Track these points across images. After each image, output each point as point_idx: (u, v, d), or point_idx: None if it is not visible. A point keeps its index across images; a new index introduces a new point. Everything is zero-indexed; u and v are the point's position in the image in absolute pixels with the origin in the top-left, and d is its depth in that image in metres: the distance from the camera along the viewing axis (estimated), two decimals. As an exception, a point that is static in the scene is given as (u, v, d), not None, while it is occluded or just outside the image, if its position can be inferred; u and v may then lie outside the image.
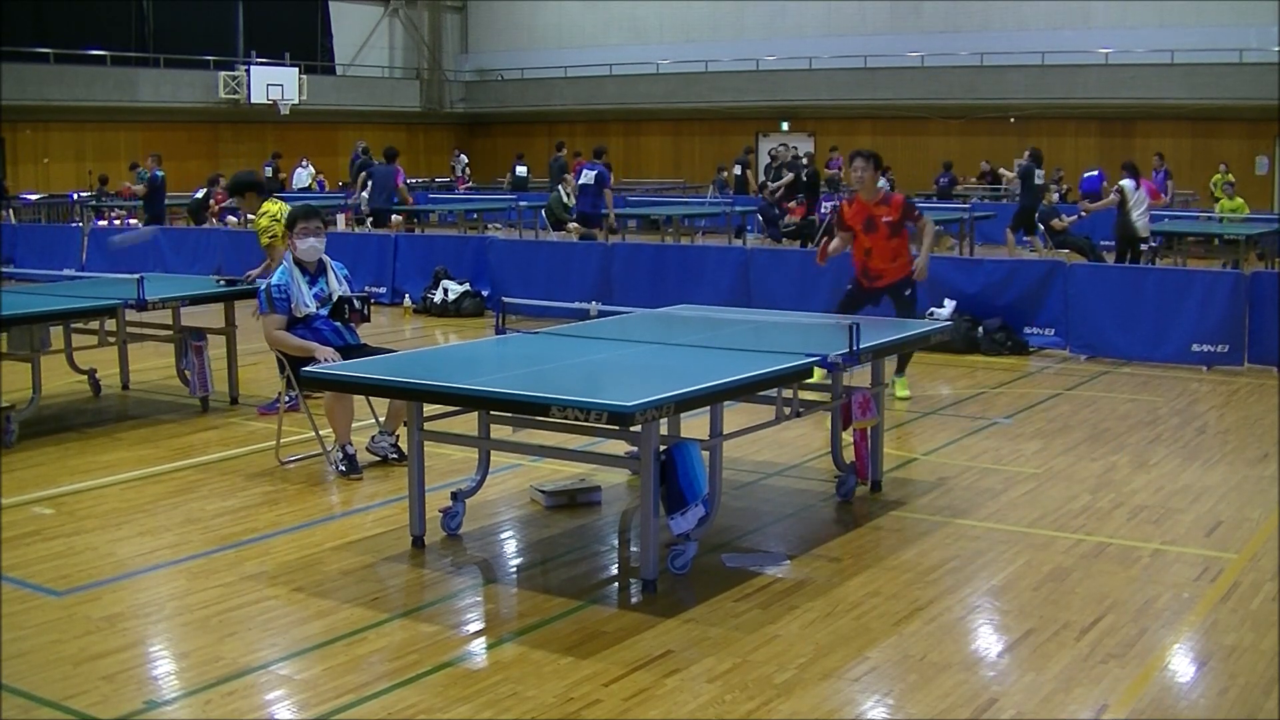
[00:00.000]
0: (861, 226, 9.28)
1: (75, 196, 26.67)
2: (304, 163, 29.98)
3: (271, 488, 7.09)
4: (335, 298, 7.56)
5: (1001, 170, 25.73)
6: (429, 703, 4.33)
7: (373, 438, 7.63)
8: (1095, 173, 24.76)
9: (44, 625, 5.00)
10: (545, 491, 6.72)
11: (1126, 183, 15.22)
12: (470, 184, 32.32)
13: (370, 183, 20.10)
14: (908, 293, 9.36)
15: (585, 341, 6.83)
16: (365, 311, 7.65)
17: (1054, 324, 11.69)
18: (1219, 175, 25.32)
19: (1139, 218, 15.07)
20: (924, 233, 9.36)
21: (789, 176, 22.78)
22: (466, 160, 33.62)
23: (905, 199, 9.43)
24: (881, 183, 9.57)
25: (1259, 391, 9.95)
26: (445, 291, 14.48)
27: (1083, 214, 17.57)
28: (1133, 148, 27.38)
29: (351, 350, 7.45)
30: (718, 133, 34.85)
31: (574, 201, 21.71)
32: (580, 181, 18.42)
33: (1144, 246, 15.41)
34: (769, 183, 23.45)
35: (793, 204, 22.25)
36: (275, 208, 9.20)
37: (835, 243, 9.52)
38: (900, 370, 9.61)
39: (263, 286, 7.53)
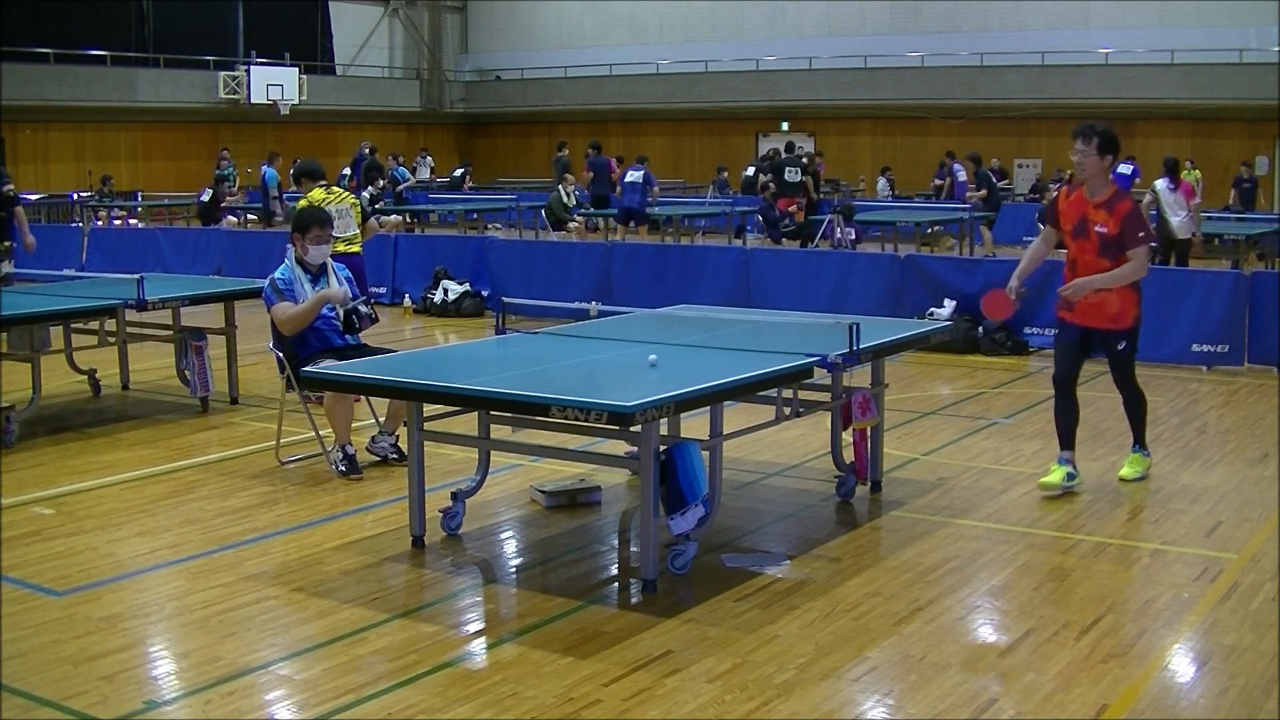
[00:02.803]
0: (1071, 228, 6.91)
1: (75, 196, 26.66)
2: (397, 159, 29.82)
3: (271, 488, 7.09)
4: (339, 297, 7.59)
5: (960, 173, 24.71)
6: (429, 703, 4.33)
7: (373, 438, 7.63)
8: (1129, 168, 24.63)
9: (44, 625, 5.00)
10: (545, 491, 6.71)
11: (1159, 183, 15.14)
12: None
13: (591, 174, 22.79)
14: (1121, 346, 6.98)
15: (585, 341, 6.83)
16: (373, 315, 7.75)
17: (1054, 324, 11.66)
18: (1185, 172, 25.38)
19: (1173, 218, 14.97)
20: (1124, 266, 6.79)
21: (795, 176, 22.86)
22: (434, 162, 33.43)
23: (1133, 207, 6.82)
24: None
25: (1259, 391, 9.95)
26: (445, 291, 14.48)
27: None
28: (1133, 148, 27.35)
29: (351, 350, 7.47)
30: (718, 133, 34.87)
31: (574, 202, 21.78)
32: (628, 180, 21.08)
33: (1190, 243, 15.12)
34: (770, 184, 23.45)
35: (794, 208, 22.27)
36: (318, 194, 9.56)
37: (1031, 248, 7.35)
38: (1138, 442, 7.29)
39: (267, 281, 7.57)
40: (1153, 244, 7.19)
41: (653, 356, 5.91)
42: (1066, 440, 7.09)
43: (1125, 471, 7.26)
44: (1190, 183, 15.20)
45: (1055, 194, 7.43)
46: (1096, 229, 6.78)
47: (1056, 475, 6.99)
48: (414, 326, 13.90)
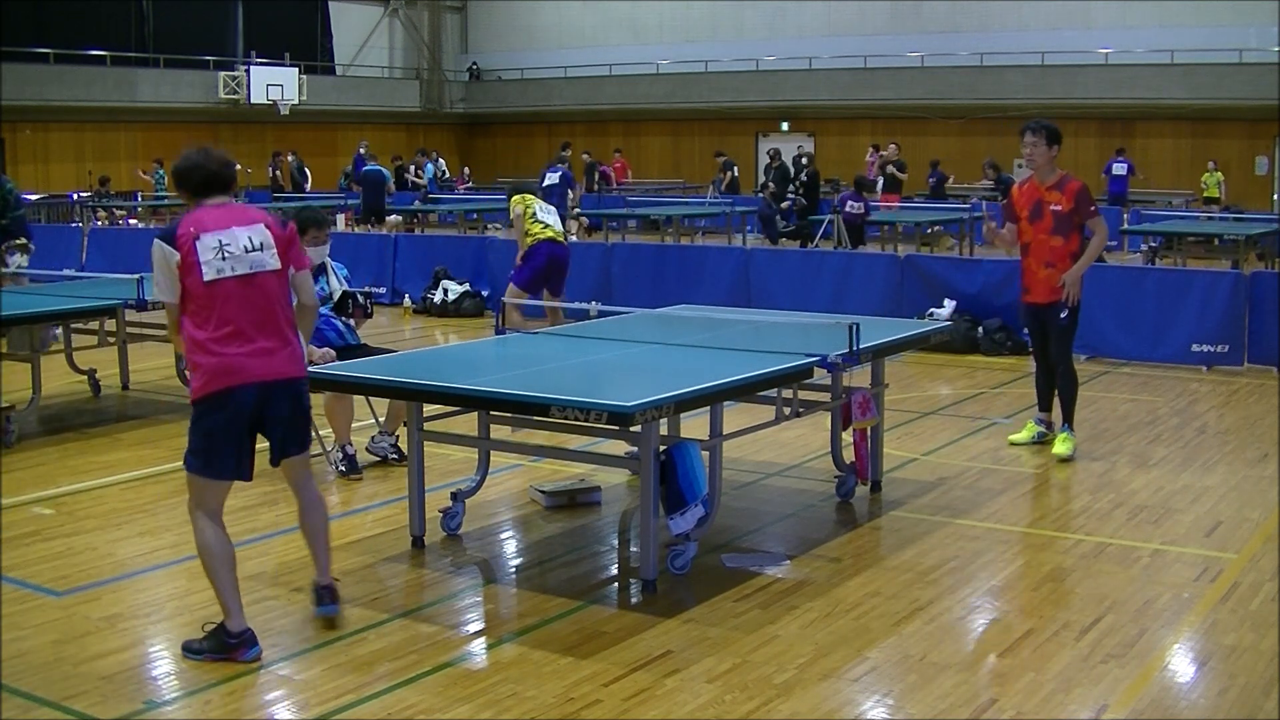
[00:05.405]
0: (1027, 213, 7.71)
1: (75, 196, 26.64)
2: (435, 156, 31.05)
3: (271, 488, 7.07)
4: (338, 294, 7.58)
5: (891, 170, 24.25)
6: (429, 703, 4.33)
7: (373, 438, 7.63)
8: (1123, 167, 24.54)
9: (44, 625, 5.00)
10: (545, 491, 6.71)
11: None
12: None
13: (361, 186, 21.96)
14: (1062, 316, 7.62)
15: (585, 341, 6.83)
16: (368, 307, 7.71)
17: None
18: (1208, 174, 25.38)
19: None
20: (1091, 241, 7.69)
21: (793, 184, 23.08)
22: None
23: (1083, 186, 7.69)
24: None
25: (1259, 391, 9.94)
26: (445, 291, 14.48)
27: None
28: (1133, 148, 27.39)
29: (351, 350, 7.46)
30: (718, 133, 34.82)
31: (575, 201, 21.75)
32: (545, 184, 16.81)
33: None
34: (771, 184, 23.48)
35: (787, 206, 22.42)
36: (530, 199, 11.05)
37: (1003, 232, 7.95)
38: (1067, 420, 7.82)
39: None
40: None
41: None
42: (1045, 403, 7.99)
43: (1058, 449, 7.68)
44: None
45: (1009, 193, 8.13)
46: (1051, 208, 7.57)
47: (1027, 432, 8.03)
48: (414, 326, 13.89)
